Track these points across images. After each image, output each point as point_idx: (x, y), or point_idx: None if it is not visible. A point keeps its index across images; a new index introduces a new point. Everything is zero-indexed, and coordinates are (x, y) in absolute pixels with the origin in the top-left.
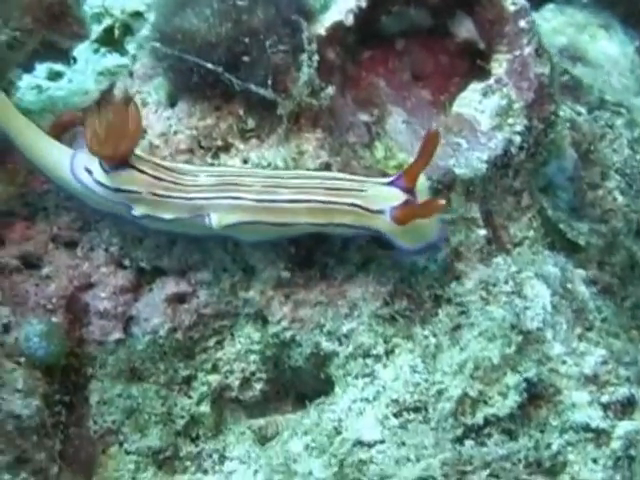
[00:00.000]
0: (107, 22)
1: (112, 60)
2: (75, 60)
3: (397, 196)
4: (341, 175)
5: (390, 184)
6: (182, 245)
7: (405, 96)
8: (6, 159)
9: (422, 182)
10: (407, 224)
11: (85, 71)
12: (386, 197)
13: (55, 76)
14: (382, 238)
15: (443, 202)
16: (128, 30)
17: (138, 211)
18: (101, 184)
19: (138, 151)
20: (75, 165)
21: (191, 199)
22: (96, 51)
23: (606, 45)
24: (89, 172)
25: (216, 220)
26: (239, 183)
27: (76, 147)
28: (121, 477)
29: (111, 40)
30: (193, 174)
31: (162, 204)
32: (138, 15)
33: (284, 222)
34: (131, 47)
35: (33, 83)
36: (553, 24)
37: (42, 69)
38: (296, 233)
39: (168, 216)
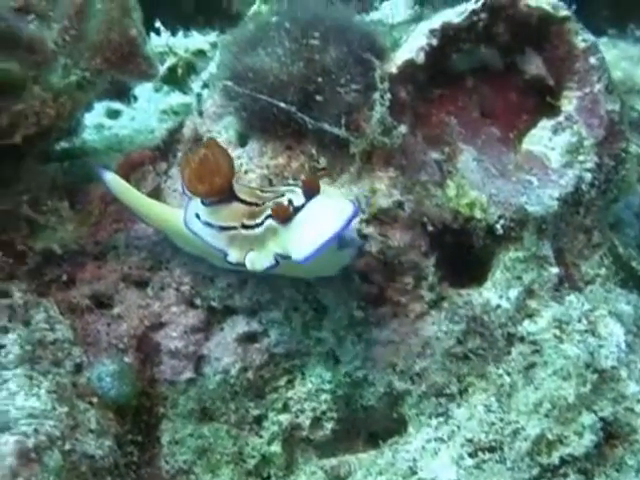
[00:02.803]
0: (171, 61)
1: (175, 99)
2: (135, 99)
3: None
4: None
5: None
6: (253, 284)
7: (475, 134)
8: (78, 199)
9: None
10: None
11: (147, 110)
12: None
13: (114, 114)
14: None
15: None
16: (191, 69)
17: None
18: (208, 224)
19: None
20: (187, 216)
21: None
22: (157, 90)
23: None
24: (198, 217)
25: None
26: None
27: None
28: None
29: (174, 79)
30: None
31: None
32: (201, 53)
33: None
34: (195, 86)
35: (94, 122)
36: (607, 58)
37: (100, 107)
38: None
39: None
